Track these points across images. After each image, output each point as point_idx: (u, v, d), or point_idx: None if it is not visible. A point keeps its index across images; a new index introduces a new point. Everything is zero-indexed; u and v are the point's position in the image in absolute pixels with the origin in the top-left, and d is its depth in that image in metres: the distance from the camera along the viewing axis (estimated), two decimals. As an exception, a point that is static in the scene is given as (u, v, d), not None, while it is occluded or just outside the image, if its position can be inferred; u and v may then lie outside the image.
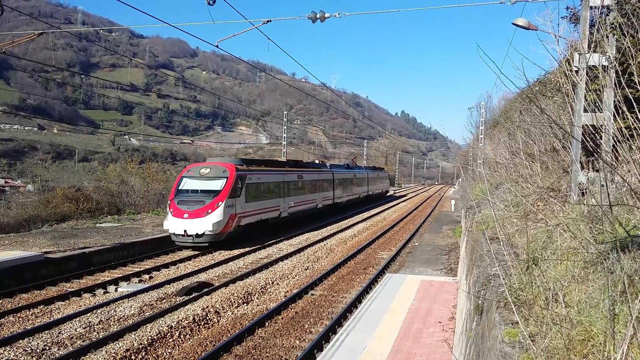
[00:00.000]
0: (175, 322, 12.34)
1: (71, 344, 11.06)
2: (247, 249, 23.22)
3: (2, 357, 10.11)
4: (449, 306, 12.66)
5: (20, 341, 10.99)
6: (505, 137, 17.58)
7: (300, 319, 13.41)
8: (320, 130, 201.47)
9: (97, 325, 12.29)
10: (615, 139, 5.49)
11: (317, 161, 44.83)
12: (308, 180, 34.31)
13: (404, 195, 76.37)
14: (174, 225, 21.72)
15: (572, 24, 9.50)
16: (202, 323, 12.75)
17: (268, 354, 10.91)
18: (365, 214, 41.61)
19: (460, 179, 66.32)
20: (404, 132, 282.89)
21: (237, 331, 12.05)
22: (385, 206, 51.69)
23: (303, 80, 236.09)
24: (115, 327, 12.23)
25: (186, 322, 12.50)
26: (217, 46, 15.10)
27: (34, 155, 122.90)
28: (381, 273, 18.60)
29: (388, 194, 72.30)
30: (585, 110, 7.38)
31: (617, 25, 6.35)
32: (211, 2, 12.38)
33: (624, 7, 6.49)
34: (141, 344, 10.97)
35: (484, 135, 37.42)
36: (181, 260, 20.35)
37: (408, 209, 49.03)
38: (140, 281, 17.02)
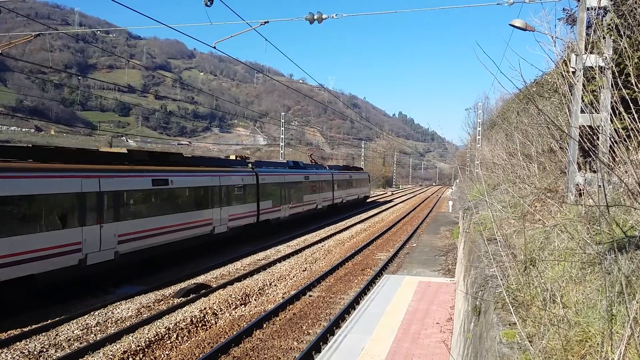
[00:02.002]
0: (172, 324, 12.32)
1: (68, 346, 11.03)
2: (244, 251, 23.19)
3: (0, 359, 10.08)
4: (446, 307, 12.67)
5: (18, 343, 10.96)
6: (503, 138, 17.59)
7: (298, 320, 13.40)
8: (318, 131, 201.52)
9: (94, 327, 12.26)
10: (612, 139, 5.50)
11: (237, 157, 28.99)
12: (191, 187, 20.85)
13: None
14: None
15: (569, 25, 9.53)
16: (200, 325, 12.73)
17: (266, 356, 10.89)
18: (363, 215, 41.57)
19: (457, 180, 65.80)
20: (401, 133, 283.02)
21: (234, 333, 12.04)
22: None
23: (300, 81, 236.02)
24: (112, 329, 12.20)
25: (184, 323, 12.48)
26: (214, 47, 15.10)
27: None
28: (379, 274, 18.60)
29: (368, 200, 61.22)
30: (582, 111, 7.39)
31: (614, 26, 6.36)
32: (208, 3, 12.37)
33: (621, 8, 6.50)
34: (139, 345, 10.95)
35: (482, 136, 37.45)
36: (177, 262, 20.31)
37: (406, 210, 49.03)
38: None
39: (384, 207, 52.18)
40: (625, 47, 5.37)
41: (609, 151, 6.08)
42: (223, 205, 22.72)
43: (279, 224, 29.82)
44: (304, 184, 34.22)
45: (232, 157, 29.23)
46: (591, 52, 7.16)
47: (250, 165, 27.48)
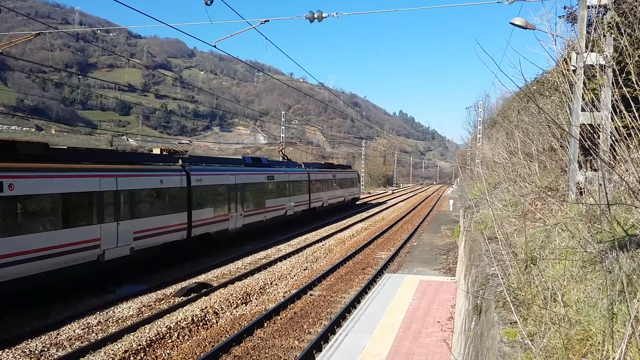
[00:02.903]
0: (174, 323, 12.33)
1: (70, 345, 11.05)
2: (245, 250, 23.22)
3: (1, 359, 10.09)
4: (447, 306, 12.67)
5: (19, 343, 10.98)
6: (503, 136, 17.58)
7: (299, 319, 13.40)
8: (319, 130, 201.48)
9: (95, 326, 12.27)
10: (613, 138, 5.50)
11: (163, 151, 22.96)
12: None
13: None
14: None
15: (570, 23, 9.50)
16: (201, 324, 12.74)
17: (267, 355, 10.90)
18: (364, 214, 41.57)
19: (458, 179, 65.64)
20: (402, 131, 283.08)
21: (235, 332, 12.05)
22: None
23: (301, 80, 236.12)
24: (113, 328, 12.21)
25: (185, 322, 12.49)
26: (214, 46, 15.08)
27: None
28: (380, 273, 18.61)
29: (359, 202, 55.40)
30: (583, 110, 7.38)
31: (615, 24, 6.35)
32: (209, 2, 12.37)
33: (621, 6, 6.49)
34: (140, 345, 10.97)
35: (482, 135, 37.43)
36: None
37: (406, 209, 49.02)
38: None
39: (376, 209, 48.32)
40: (625, 45, 5.36)
41: (610, 150, 6.08)
42: (122, 219, 16.35)
43: (229, 237, 23.63)
44: (267, 186, 27.90)
45: (156, 150, 23.30)
46: (592, 51, 7.14)
47: (180, 162, 20.72)
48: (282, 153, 39.19)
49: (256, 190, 26.64)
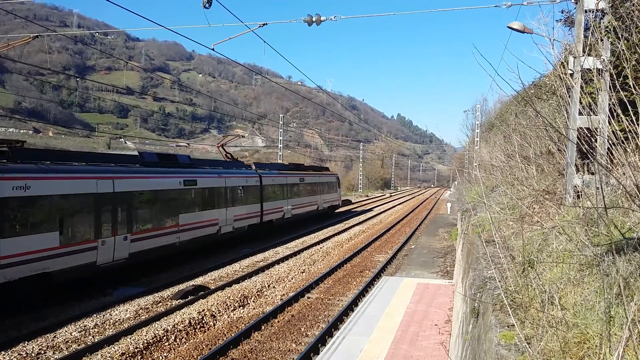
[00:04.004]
0: (171, 326, 12.30)
1: (66, 348, 11.01)
2: (243, 252, 23.19)
3: (-3, 362, 10.05)
4: (445, 309, 12.66)
5: (16, 345, 10.93)
6: (501, 139, 17.62)
7: (296, 322, 13.39)
8: (317, 133, 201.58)
9: (92, 329, 12.24)
10: (610, 141, 5.51)
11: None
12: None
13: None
14: None
15: (567, 27, 9.55)
16: (198, 326, 12.71)
17: (264, 358, 10.88)
18: (362, 216, 41.55)
19: (456, 182, 65.58)
20: (400, 135, 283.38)
21: (233, 335, 12.03)
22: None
23: (299, 83, 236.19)
24: (110, 330, 12.18)
25: (182, 325, 12.46)
26: (213, 49, 15.11)
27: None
28: (377, 276, 18.60)
29: (340, 209, 47.24)
30: (580, 113, 7.41)
31: (612, 29, 6.38)
32: (207, 5, 12.37)
33: (619, 10, 6.52)
34: (137, 347, 10.93)
35: (480, 138, 37.52)
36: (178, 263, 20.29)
37: (404, 211, 49.03)
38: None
39: (374, 212, 47.06)
40: (623, 50, 5.39)
41: (607, 153, 6.10)
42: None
43: (98, 273, 15.75)
44: (184, 195, 20.40)
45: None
46: (589, 55, 7.17)
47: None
48: (224, 149, 28.88)
49: (159, 201, 18.72)
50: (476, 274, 6.79)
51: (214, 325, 13.09)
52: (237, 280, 17.43)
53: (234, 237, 24.70)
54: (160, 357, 10.82)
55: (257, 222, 27.11)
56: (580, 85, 7.24)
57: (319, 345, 11.21)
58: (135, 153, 20.39)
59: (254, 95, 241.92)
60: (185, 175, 20.51)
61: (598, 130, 6.88)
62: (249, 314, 14.08)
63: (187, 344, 11.70)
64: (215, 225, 22.45)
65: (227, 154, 29.07)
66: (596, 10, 7.37)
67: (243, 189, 25.61)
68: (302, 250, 24.06)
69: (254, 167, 29.79)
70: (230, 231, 24.00)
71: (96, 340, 11.38)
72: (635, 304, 3.07)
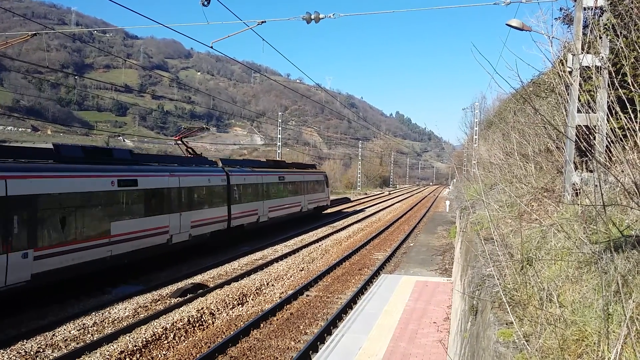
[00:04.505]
0: (170, 324, 12.31)
1: (65, 346, 11.01)
2: (242, 250, 23.20)
3: (-4, 360, 10.05)
4: (443, 307, 12.68)
5: (15, 343, 10.93)
6: (500, 137, 17.63)
7: (295, 320, 13.40)
8: (315, 131, 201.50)
9: (91, 327, 12.24)
10: (608, 139, 5.52)
11: None
12: None
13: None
14: None
15: (566, 24, 9.54)
16: (197, 324, 12.72)
17: (263, 355, 10.89)
18: (360, 214, 41.57)
19: (454, 180, 65.51)
20: (398, 132, 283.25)
21: (232, 332, 12.04)
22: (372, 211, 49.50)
23: (298, 81, 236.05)
24: (109, 329, 12.18)
25: (181, 323, 12.47)
26: (211, 47, 15.07)
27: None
28: (376, 274, 18.61)
29: (327, 210, 43.59)
30: (578, 111, 7.40)
31: (610, 26, 6.37)
32: (205, 3, 12.35)
33: (617, 8, 6.52)
34: (136, 345, 10.94)
35: (479, 136, 37.52)
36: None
37: (403, 209, 49.06)
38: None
39: (372, 209, 47.78)
40: (621, 47, 5.39)
41: (606, 151, 6.10)
42: None
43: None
44: (117, 197, 16.79)
45: None
46: (588, 52, 7.17)
47: None
48: (184, 144, 25.57)
49: (81, 207, 15.22)
50: (475, 271, 6.79)
51: (213, 323, 13.10)
52: (236, 278, 17.43)
53: (192, 246, 20.99)
54: (159, 356, 10.82)
55: (224, 228, 23.57)
56: (579, 83, 7.24)
57: (318, 343, 11.22)
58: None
59: (253, 93, 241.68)
60: (120, 174, 16.90)
61: (597, 127, 6.89)
62: (248, 312, 14.09)
63: (186, 342, 11.71)
64: (164, 233, 18.89)
65: (188, 149, 25.53)
66: (595, 7, 7.36)
67: (205, 190, 22.27)
68: (301, 248, 24.07)
69: (220, 164, 25.37)
70: (186, 240, 20.24)
71: (95, 338, 11.39)
72: (633, 302, 3.08)
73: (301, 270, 19.42)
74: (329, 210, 44.97)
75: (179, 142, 25.89)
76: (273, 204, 29.44)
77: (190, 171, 21.50)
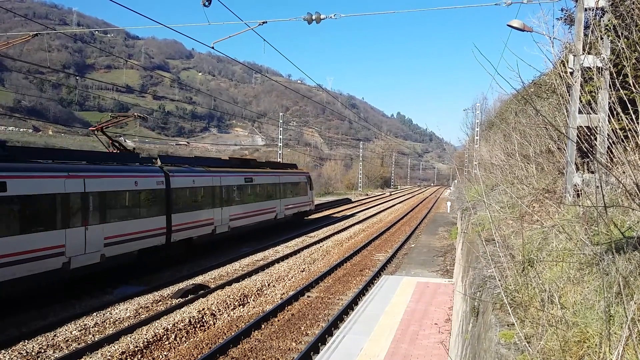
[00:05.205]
0: (171, 325, 12.31)
1: (67, 347, 11.02)
2: (243, 251, 23.20)
3: (-3, 361, 10.05)
4: (445, 308, 12.67)
5: (16, 344, 10.94)
6: (501, 138, 17.62)
7: (296, 321, 13.39)
8: (316, 131, 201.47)
9: (92, 328, 12.25)
10: (610, 140, 5.51)
11: None
12: None
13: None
14: None
15: (567, 25, 9.53)
16: (198, 325, 12.72)
17: (264, 356, 10.89)
18: (361, 215, 41.54)
19: (455, 181, 65.45)
20: (399, 133, 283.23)
21: (233, 333, 12.03)
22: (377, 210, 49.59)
23: (299, 81, 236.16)
24: (110, 329, 12.19)
25: (182, 324, 12.47)
26: (212, 47, 15.07)
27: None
28: (377, 275, 18.61)
29: (311, 216, 38.67)
30: (580, 112, 7.40)
31: (612, 27, 6.37)
32: (207, 4, 12.36)
33: (619, 8, 6.51)
34: (137, 346, 10.94)
35: (480, 137, 37.51)
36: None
37: (404, 210, 49.04)
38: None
39: (374, 210, 48.62)
40: (623, 48, 5.38)
41: (607, 152, 6.09)
42: None
43: None
44: None
45: None
46: (589, 53, 7.16)
47: None
48: (105, 135, 20.26)
49: None
50: (476, 272, 6.79)
51: (214, 324, 13.09)
52: (237, 279, 17.43)
53: (106, 269, 16.21)
54: (161, 356, 10.82)
55: (161, 244, 18.65)
56: (580, 84, 7.23)
57: (319, 344, 11.21)
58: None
59: (254, 94, 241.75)
60: None
61: (598, 128, 6.88)
62: (249, 313, 14.09)
63: (187, 342, 11.70)
64: (58, 255, 13.97)
65: (113, 142, 20.14)
66: (596, 8, 7.36)
67: (129, 196, 17.39)
68: (302, 249, 24.06)
69: (159, 162, 20.29)
70: (96, 262, 15.44)
71: (96, 339, 11.39)
72: (635, 303, 3.07)
73: (302, 271, 19.41)
74: (328, 212, 44.93)
75: (97, 133, 20.16)
76: (236, 210, 24.54)
77: (105, 171, 16.45)
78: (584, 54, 7.15)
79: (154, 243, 18.28)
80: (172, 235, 19.28)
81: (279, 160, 49.61)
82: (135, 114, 24.10)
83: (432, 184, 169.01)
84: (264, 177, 28.60)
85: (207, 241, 22.26)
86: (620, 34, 5.66)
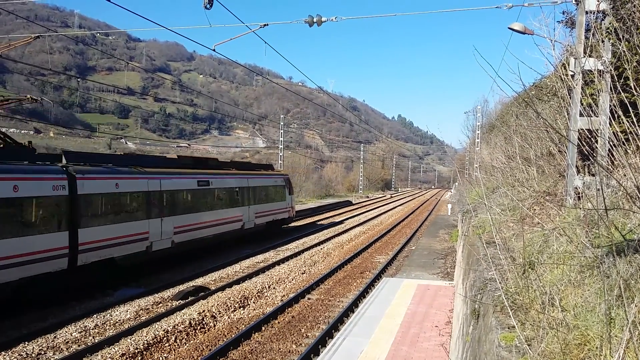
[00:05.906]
0: (171, 327, 12.30)
1: (67, 349, 11.01)
2: (243, 253, 23.19)
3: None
4: (445, 310, 12.66)
5: (16, 346, 10.94)
6: (502, 141, 17.61)
7: (297, 323, 13.38)
8: (317, 134, 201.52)
9: (92, 329, 12.24)
10: (611, 143, 5.51)
11: None
12: None
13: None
14: None
15: (568, 28, 9.54)
16: (199, 327, 12.71)
17: (264, 359, 10.88)
18: (362, 217, 41.52)
19: (456, 183, 65.41)
20: (400, 136, 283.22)
21: (233, 336, 12.02)
22: (377, 212, 49.72)
23: (300, 84, 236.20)
24: (111, 331, 12.18)
25: (182, 326, 12.46)
26: (214, 50, 15.11)
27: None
28: (378, 277, 18.59)
29: (287, 225, 33.41)
30: (581, 115, 7.40)
31: (613, 30, 6.37)
32: (208, 6, 12.38)
33: (620, 11, 6.52)
34: (137, 348, 10.93)
35: (481, 139, 37.50)
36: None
37: (405, 212, 49.01)
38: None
39: (374, 212, 48.92)
40: (624, 51, 5.38)
41: (608, 154, 6.09)
42: None
43: None
44: None
45: None
46: (590, 56, 7.17)
47: None
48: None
49: None
50: (477, 275, 6.78)
51: (214, 326, 13.08)
52: (238, 281, 17.42)
53: None
54: (161, 358, 10.81)
55: (61, 269, 13.96)
56: (581, 87, 7.24)
57: (319, 346, 11.20)
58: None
59: (255, 96, 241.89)
60: None
61: (599, 131, 6.88)
62: (250, 315, 14.08)
63: (187, 344, 11.70)
64: None
65: (5, 138, 16.24)
66: (597, 11, 7.37)
67: (4, 205, 12.45)
68: (302, 251, 24.05)
69: (64, 160, 15.20)
70: None
71: (96, 340, 11.39)
72: (635, 306, 3.07)
73: (303, 273, 19.40)
74: (329, 214, 44.87)
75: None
76: (184, 221, 19.94)
77: None
78: (585, 56, 7.15)
79: (48, 269, 13.45)
80: (78, 257, 14.60)
81: (279, 162, 49.67)
82: (29, 96, 19.66)
83: (432, 187, 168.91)
84: (225, 180, 23.96)
85: (140, 261, 17.73)
86: (621, 37, 5.67)
